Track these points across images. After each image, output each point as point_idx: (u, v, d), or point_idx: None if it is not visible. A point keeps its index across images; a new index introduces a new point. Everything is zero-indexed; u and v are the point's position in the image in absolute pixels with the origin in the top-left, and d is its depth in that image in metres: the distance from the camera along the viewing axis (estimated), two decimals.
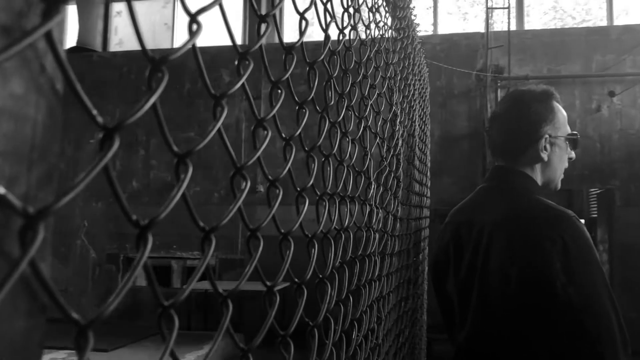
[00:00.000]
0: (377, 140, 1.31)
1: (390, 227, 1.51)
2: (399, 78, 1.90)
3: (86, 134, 7.37)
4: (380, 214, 1.31)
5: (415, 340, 3.84)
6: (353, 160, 0.98)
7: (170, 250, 6.83)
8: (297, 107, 0.73)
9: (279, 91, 0.65)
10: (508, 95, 1.81)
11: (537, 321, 1.44)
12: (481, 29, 8.83)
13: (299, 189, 0.71)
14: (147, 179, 6.89)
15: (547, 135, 1.66)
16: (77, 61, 7.58)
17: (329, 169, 0.86)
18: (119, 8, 9.89)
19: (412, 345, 3.18)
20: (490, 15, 8.52)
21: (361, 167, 1.10)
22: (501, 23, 8.64)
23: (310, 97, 0.76)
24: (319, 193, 0.84)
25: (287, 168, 0.66)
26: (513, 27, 8.56)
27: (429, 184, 4.60)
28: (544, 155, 1.66)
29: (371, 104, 1.19)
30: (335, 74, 0.89)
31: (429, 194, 4.51)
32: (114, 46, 9.79)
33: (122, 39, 9.79)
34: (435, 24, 9.57)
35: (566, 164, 1.74)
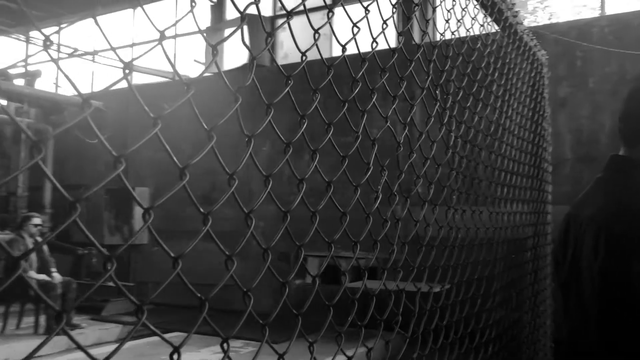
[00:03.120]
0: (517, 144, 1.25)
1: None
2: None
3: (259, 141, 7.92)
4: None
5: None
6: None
7: (336, 249, 7.08)
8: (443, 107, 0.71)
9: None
10: None
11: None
12: None
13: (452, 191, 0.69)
14: (314, 182, 7.22)
15: None
16: (247, 77, 8.14)
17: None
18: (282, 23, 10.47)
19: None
20: None
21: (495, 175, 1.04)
22: None
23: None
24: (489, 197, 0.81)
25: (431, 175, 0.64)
26: None
27: (549, 179, 4.34)
28: None
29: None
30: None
31: (550, 189, 4.28)
32: (280, 60, 10.40)
33: (287, 52, 10.36)
34: (602, 5, 8.69)
35: None
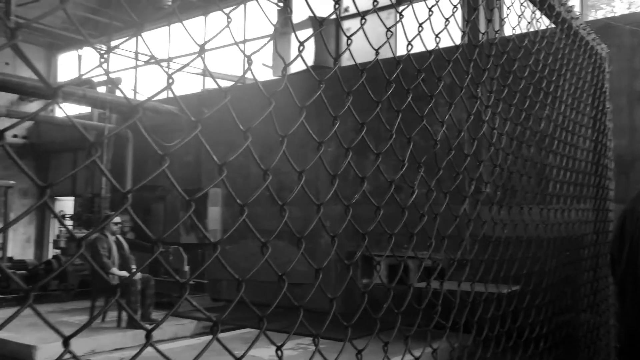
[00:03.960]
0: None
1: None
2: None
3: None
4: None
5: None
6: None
7: (402, 250, 7.01)
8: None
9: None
10: None
11: None
12: None
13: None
14: (377, 181, 7.19)
15: None
16: (314, 80, 8.22)
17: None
18: (347, 25, 10.49)
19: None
20: None
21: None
22: None
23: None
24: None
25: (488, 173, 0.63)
26: None
27: (611, 175, 4.15)
28: None
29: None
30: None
31: (612, 186, 4.10)
32: (345, 61, 10.43)
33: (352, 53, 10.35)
34: None
35: None
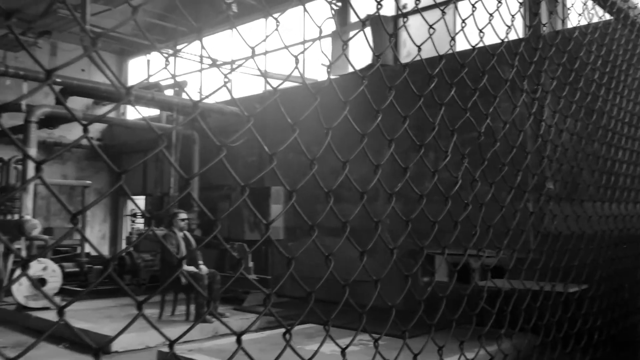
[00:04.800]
0: None
1: None
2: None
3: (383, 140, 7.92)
4: None
5: None
6: None
7: (464, 248, 6.87)
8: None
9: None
10: None
11: None
12: None
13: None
14: (438, 179, 7.08)
15: None
16: (373, 77, 8.19)
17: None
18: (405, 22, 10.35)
19: None
20: None
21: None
22: None
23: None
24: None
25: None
26: None
27: None
28: None
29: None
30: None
31: None
32: (404, 58, 10.31)
33: (409, 50, 10.24)
34: None
35: None
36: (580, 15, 2.54)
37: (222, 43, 14.14)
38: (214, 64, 12.66)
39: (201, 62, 13.95)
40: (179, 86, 12.73)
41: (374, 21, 9.23)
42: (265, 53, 12.80)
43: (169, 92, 12.61)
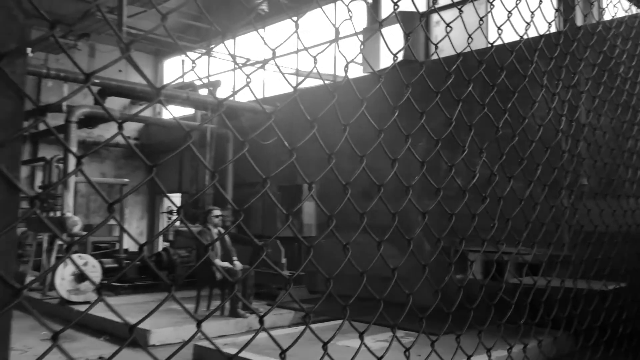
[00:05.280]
0: None
1: None
2: None
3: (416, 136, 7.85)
4: None
5: None
6: None
7: (498, 245, 6.76)
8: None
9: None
10: None
11: None
12: None
13: None
14: (471, 176, 6.98)
15: None
16: (404, 74, 8.13)
17: None
18: (437, 18, 10.25)
19: None
20: None
21: None
22: None
23: None
24: None
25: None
26: None
27: None
28: None
29: None
30: None
31: None
32: (435, 54, 10.18)
33: (441, 46, 10.12)
34: None
35: None
36: (604, 9, 2.47)
37: (254, 42, 14.24)
38: (245, 63, 12.77)
39: (234, 61, 14.08)
40: (213, 86, 12.88)
41: (406, 17, 9.16)
42: (297, 52, 12.83)
43: (203, 92, 12.77)
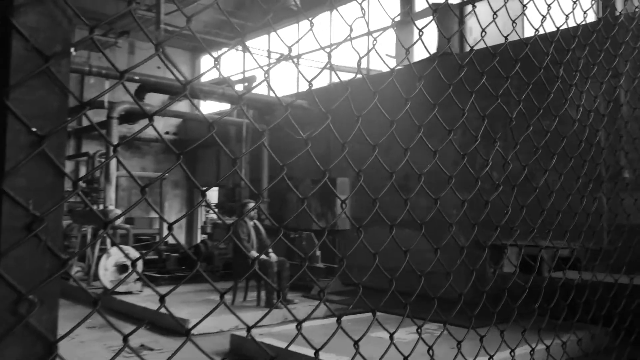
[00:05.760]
0: None
1: None
2: None
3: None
4: None
5: None
6: None
7: (535, 238, 6.62)
8: None
9: None
10: None
11: None
12: None
13: None
14: (506, 170, 6.84)
15: None
16: (442, 67, 8.01)
17: None
18: (469, 9, 10.05)
19: None
20: None
21: None
22: None
23: None
24: None
25: None
26: None
27: None
28: None
29: None
30: None
31: None
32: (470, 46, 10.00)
33: (476, 38, 9.92)
34: None
35: None
36: None
37: (289, 37, 14.28)
38: (279, 58, 12.81)
39: (269, 57, 14.15)
40: (248, 81, 12.99)
41: (440, 9, 9.01)
42: (331, 46, 12.81)
43: (239, 87, 12.89)
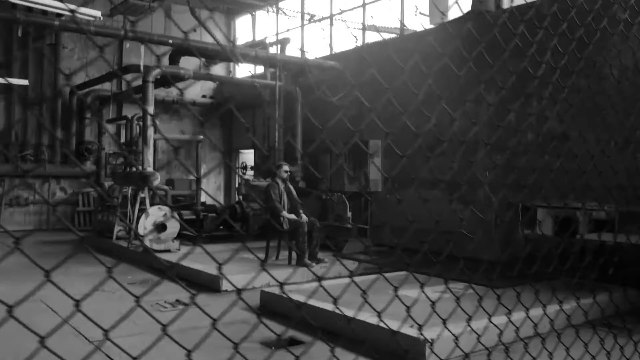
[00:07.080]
0: None
1: None
2: None
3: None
4: None
5: None
6: None
7: (568, 201, 6.49)
8: None
9: None
10: None
11: None
12: None
13: None
14: (540, 130, 6.68)
15: None
16: (472, 25, 7.73)
17: None
18: None
19: None
20: None
21: None
22: None
23: None
24: None
25: None
26: None
27: None
28: None
29: None
30: None
31: None
32: (506, 4, 9.65)
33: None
34: None
35: None
36: None
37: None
38: (310, 19, 12.61)
39: (302, 18, 13.95)
40: (282, 43, 12.86)
41: None
42: (364, 5, 12.52)
43: (273, 50, 12.78)
